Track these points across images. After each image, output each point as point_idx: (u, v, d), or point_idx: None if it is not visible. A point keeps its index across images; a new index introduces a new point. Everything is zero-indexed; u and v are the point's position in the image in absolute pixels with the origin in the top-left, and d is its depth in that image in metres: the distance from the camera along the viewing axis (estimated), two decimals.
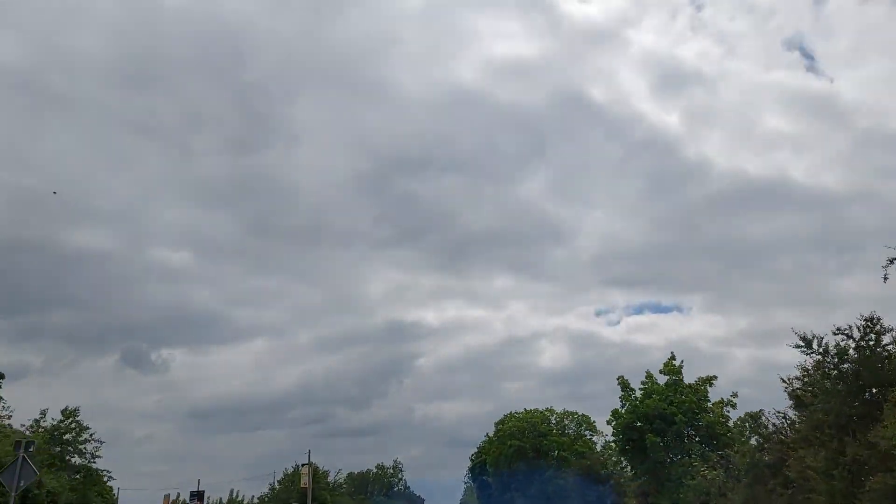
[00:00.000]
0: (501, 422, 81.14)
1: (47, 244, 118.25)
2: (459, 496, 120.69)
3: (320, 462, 72.99)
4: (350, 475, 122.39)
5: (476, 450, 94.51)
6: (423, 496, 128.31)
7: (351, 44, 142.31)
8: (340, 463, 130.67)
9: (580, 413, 77.55)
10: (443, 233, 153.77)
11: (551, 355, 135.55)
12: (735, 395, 46.77)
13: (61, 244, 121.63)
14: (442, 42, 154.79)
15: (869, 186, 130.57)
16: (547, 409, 78.92)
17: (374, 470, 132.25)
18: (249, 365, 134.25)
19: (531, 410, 78.91)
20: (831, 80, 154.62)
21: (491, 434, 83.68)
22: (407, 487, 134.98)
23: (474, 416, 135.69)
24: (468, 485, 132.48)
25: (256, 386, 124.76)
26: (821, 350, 20.98)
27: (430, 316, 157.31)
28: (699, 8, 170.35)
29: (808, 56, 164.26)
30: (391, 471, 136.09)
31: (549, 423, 76.43)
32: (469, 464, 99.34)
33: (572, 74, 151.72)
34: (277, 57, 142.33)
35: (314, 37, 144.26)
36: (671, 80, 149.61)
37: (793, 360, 30.06)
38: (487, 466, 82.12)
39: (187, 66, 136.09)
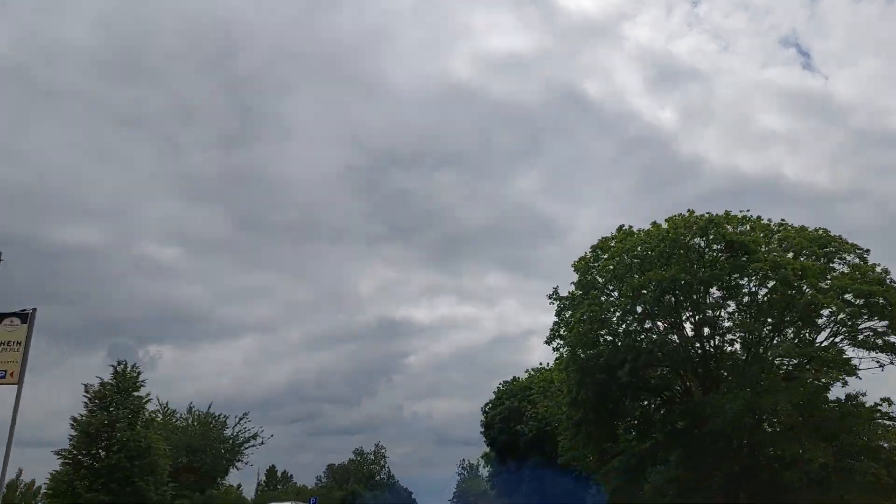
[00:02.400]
0: (600, 251, 33.46)
1: (32, 239, 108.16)
2: (450, 494, 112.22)
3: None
4: (330, 467, 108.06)
5: (498, 388, 66.94)
6: (409, 489, 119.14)
7: (344, 37, 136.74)
8: (329, 462, 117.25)
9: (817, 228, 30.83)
10: (435, 229, 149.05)
11: (542, 353, 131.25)
12: None
13: (46, 239, 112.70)
14: (435, 36, 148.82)
15: (862, 185, 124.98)
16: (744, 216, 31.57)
17: (354, 457, 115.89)
18: (238, 362, 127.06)
19: (688, 216, 31.31)
20: (826, 79, 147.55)
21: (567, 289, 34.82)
22: (391, 476, 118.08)
23: (464, 415, 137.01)
24: (463, 476, 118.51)
25: (245, 383, 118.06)
26: None
27: (421, 313, 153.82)
28: (695, 3, 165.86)
29: (803, 54, 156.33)
30: (371, 457, 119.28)
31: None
32: (482, 418, 68.00)
33: (567, 69, 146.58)
34: (269, 50, 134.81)
35: (307, 30, 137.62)
36: (666, 75, 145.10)
37: None
38: (538, 395, 47.53)
39: (177, 57, 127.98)
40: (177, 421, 48.01)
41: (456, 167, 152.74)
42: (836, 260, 28.80)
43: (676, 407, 31.05)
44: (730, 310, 29.74)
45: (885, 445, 25.79)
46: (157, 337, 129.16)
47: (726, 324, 29.79)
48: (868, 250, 29.00)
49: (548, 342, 32.83)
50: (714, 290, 29.49)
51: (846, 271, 28.11)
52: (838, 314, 26.82)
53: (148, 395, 33.94)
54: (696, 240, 29.53)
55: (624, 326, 30.96)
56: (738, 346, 29.97)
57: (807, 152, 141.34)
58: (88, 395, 30.71)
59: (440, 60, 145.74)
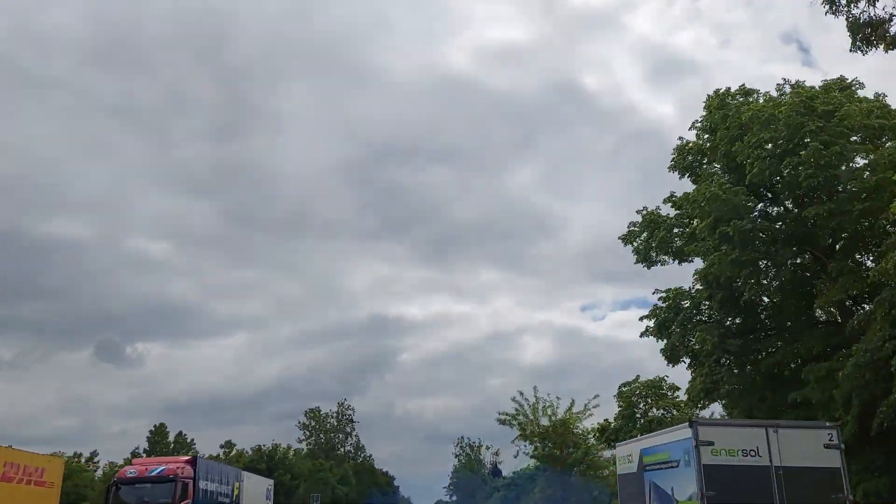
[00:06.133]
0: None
1: (18, 233, 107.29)
2: (441, 493, 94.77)
3: None
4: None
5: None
6: (394, 481, 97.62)
7: (339, 27, 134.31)
8: None
9: None
10: (429, 225, 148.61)
11: (535, 351, 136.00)
12: None
13: (33, 233, 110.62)
14: (432, 26, 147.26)
15: None
16: None
17: (306, 420, 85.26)
18: (228, 359, 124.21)
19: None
20: (825, 75, 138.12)
21: None
22: (360, 448, 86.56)
23: (455, 413, 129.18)
24: (458, 463, 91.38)
25: (235, 380, 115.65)
26: None
27: (414, 310, 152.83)
28: None
29: (804, 50, 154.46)
30: (333, 422, 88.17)
31: None
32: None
33: (566, 61, 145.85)
34: (263, 39, 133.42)
35: (302, 19, 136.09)
36: (666, 69, 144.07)
37: None
38: None
39: (168, 46, 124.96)
40: None
41: (451, 161, 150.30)
42: None
43: None
44: None
45: None
46: (145, 333, 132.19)
47: None
48: None
49: None
50: None
51: None
52: None
53: None
54: None
55: None
56: None
57: None
58: None
59: (437, 51, 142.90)
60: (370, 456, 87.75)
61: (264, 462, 49.70)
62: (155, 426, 63.66)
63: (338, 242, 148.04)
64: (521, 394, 43.82)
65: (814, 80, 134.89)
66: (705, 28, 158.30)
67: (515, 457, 44.93)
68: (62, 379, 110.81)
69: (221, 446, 57.67)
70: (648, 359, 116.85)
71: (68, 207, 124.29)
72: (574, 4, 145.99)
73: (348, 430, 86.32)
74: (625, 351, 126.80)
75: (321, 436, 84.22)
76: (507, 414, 43.59)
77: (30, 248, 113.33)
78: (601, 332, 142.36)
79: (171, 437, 63.77)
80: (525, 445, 43.62)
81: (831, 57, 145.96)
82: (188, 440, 64.27)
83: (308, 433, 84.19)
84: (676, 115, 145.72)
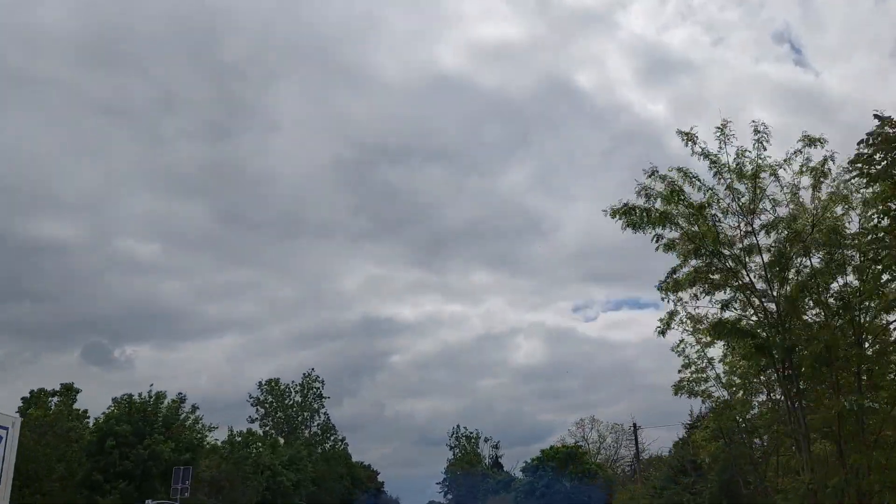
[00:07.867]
0: None
1: (5, 234, 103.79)
2: (434, 491, 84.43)
3: None
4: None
5: None
6: (378, 476, 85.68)
7: (331, 26, 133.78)
8: None
9: None
10: (422, 226, 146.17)
11: (527, 351, 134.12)
12: None
13: (20, 234, 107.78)
14: (425, 24, 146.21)
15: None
16: None
17: (260, 397, 68.43)
18: (219, 360, 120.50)
19: None
20: (817, 74, 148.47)
21: None
22: (330, 429, 69.51)
23: (446, 414, 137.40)
24: (454, 456, 79.51)
25: (226, 382, 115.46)
26: None
27: (406, 311, 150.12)
28: None
29: (797, 49, 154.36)
30: (298, 397, 71.39)
31: None
32: None
33: (560, 59, 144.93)
34: (256, 37, 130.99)
35: (294, 18, 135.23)
36: (658, 67, 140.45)
37: None
38: None
39: (160, 45, 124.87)
40: None
41: (444, 162, 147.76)
42: None
43: None
44: None
45: None
46: (134, 335, 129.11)
47: None
48: None
49: None
50: None
51: None
52: None
53: None
54: None
55: None
56: None
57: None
58: None
59: (431, 50, 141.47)
60: (343, 439, 70.26)
61: (134, 422, 32.27)
62: (32, 392, 45.95)
63: (330, 243, 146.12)
64: (691, 138, 18.88)
65: (806, 79, 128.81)
66: (698, 26, 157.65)
67: (662, 291, 20.18)
68: (50, 381, 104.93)
69: None
70: (641, 358, 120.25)
71: (57, 207, 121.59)
72: (567, 1, 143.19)
73: (315, 406, 68.76)
74: (617, 352, 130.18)
75: (279, 413, 66.60)
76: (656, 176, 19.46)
77: (17, 249, 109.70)
78: (593, 333, 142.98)
79: (53, 405, 46.08)
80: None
81: (824, 57, 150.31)
82: (79, 410, 46.80)
83: (264, 410, 66.68)
84: (668, 114, 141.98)
